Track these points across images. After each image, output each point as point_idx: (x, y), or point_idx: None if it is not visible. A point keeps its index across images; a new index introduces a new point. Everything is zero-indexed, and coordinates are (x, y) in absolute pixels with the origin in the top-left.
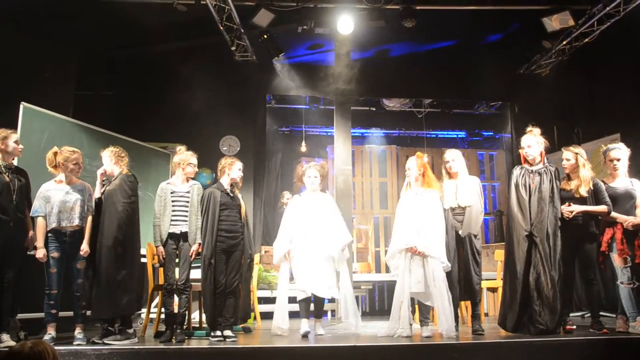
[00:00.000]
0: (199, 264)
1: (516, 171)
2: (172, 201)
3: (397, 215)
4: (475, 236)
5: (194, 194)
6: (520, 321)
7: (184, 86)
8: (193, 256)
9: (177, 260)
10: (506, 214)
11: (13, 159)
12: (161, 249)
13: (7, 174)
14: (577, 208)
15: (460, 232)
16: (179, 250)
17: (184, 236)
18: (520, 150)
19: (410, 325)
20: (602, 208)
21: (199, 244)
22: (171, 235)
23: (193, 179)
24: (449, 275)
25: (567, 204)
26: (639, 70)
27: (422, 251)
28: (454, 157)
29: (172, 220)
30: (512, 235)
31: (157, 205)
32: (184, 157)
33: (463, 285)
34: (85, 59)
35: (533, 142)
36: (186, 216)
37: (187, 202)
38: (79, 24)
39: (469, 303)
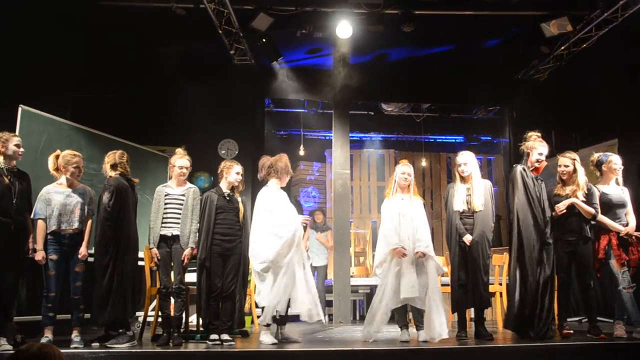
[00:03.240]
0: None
1: (522, 171)
2: (165, 204)
3: (386, 221)
4: (487, 240)
5: (189, 197)
6: (531, 324)
7: (183, 90)
8: (185, 260)
9: (172, 263)
10: (512, 215)
11: (14, 162)
12: (155, 250)
13: (8, 177)
14: (567, 201)
15: (464, 239)
16: (173, 252)
17: (175, 239)
18: (531, 153)
19: (407, 330)
20: (590, 210)
21: (192, 248)
22: (163, 238)
23: (191, 182)
24: (452, 280)
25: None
26: (637, 76)
27: (424, 252)
28: (466, 161)
29: (163, 222)
30: (527, 239)
31: (153, 207)
32: (173, 160)
33: (471, 291)
34: (84, 61)
35: (547, 151)
36: (179, 219)
37: (181, 205)
38: (77, 27)
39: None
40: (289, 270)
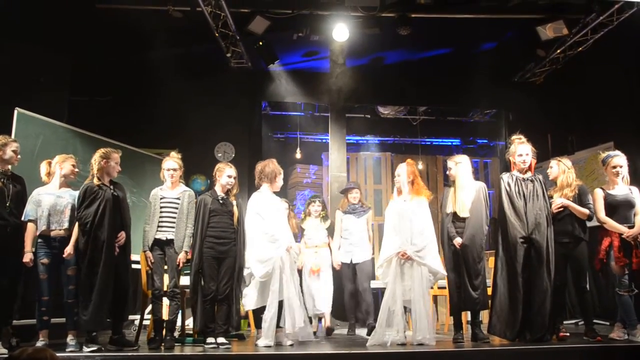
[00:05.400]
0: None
1: (507, 178)
2: (161, 207)
3: (386, 222)
4: (478, 244)
5: (184, 200)
6: (522, 328)
7: (179, 92)
8: (180, 264)
9: (165, 267)
10: (499, 221)
11: (9, 166)
12: (149, 253)
13: (2, 180)
14: (560, 201)
15: (455, 241)
16: (167, 256)
17: (169, 243)
18: (513, 158)
19: (404, 332)
20: (584, 210)
21: (186, 252)
22: (157, 242)
23: (187, 185)
24: (448, 283)
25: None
26: (632, 79)
27: (410, 255)
28: (450, 165)
29: (159, 226)
30: (509, 243)
31: (148, 210)
32: (163, 163)
33: (462, 293)
34: (80, 64)
35: (530, 151)
36: (174, 223)
37: (176, 208)
38: (74, 30)
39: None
40: (277, 280)
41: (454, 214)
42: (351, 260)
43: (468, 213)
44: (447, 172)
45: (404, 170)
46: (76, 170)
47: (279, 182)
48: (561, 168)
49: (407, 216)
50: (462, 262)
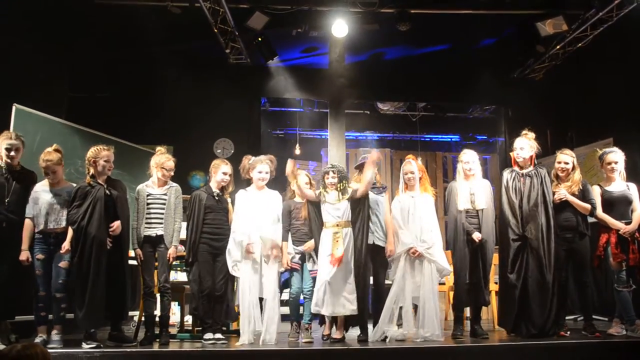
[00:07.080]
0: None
1: (506, 174)
2: (148, 204)
3: (394, 218)
4: (493, 238)
5: (171, 196)
6: (518, 322)
7: (179, 89)
8: (170, 260)
9: (156, 263)
10: (498, 217)
11: (15, 161)
12: (139, 251)
13: (5, 175)
14: (565, 194)
15: (474, 236)
16: (157, 253)
17: (159, 239)
18: (511, 153)
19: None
20: (585, 205)
21: (175, 246)
22: (147, 239)
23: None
24: (458, 279)
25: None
26: (632, 75)
27: (421, 252)
28: (474, 159)
29: (147, 223)
30: (506, 239)
31: (135, 207)
32: (159, 160)
33: (473, 290)
34: (80, 60)
35: (526, 145)
36: (162, 219)
37: (164, 204)
38: (73, 26)
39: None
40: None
41: (467, 210)
42: (373, 242)
43: (485, 204)
44: (464, 166)
45: (415, 167)
46: (50, 163)
47: (255, 177)
48: (575, 163)
49: (417, 213)
50: (479, 258)
